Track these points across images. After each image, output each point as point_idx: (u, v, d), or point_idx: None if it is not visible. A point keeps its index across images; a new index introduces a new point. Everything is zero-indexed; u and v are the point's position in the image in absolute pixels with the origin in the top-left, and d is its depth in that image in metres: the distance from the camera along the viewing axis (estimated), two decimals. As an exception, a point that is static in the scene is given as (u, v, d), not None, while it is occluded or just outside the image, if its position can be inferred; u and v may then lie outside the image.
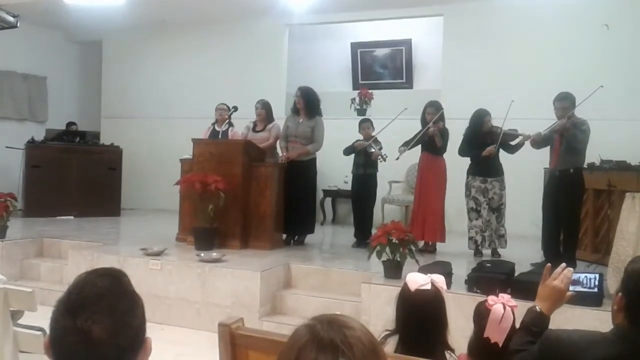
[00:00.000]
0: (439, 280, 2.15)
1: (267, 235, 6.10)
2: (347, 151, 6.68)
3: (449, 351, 2.12)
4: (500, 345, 2.07)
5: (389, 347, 2.09)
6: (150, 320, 1.26)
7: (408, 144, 6.20)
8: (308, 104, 6.51)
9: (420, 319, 2.07)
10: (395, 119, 6.55)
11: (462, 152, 6.06)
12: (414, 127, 6.37)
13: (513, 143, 5.94)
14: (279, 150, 6.77)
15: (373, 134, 6.62)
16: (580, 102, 5.35)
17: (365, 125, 6.69)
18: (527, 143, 5.75)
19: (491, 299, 2.16)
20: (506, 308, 2.11)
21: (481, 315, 2.17)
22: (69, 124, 9.65)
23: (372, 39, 9.78)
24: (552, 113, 5.49)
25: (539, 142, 5.61)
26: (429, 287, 2.11)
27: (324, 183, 8.61)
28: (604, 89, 5.42)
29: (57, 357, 1.15)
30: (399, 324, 2.14)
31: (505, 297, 2.18)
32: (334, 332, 0.98)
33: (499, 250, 5.97)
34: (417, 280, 2.13)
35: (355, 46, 9.90)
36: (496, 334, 2.07)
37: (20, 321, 3.02)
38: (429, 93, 7.61)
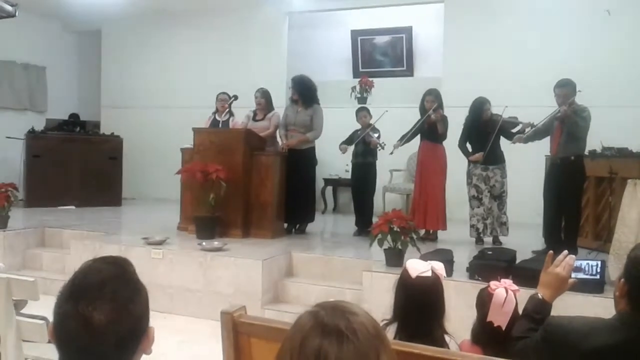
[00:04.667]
0: (439, 267, 2.17)
1: (268, 224, 6.10)
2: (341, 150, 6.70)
3: (447, 335, 2.14)
4: (504, 329, 2.08)
5: (388, 335, 2.10)
6: (152, 309, 1.26)
7: (403, 139, 6.21)
8: (302, 93, 6.50)
9: (420, 305, 2.08)
10: (381, 117, 6.52)
11: (462, 146, 6.07)
12: (414, 115, 6.36)
13: (514, 131, 5.92)
14: (279, 139, 6.76)
15: (371, 122, 6.61)
16: (556, 110, 5.31)
17: (362, 113, 6.67)
18: (526, 131, 5.75)
19: (493, 283, 2.18)
20: (508, 292, 2.12)
21: (484, 300, 2.18)
22: (72, 115, 9.60)
23: (373, 27, 9.72)
24: (552, 100, 5.46)
25: (531, 137, 5.60)
26: (429, 274, 2.12)
27: (325, 172, 8.61)
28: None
29: (58, 342, 1.16)
30: (398, 310, 2.15)
31: (507, 281, 2.19)
32: (338, 318, 0.98)
33: (501, 238, 5.97)
34: (417, 267, 2.14)
35: (355, 34, 9.85)
36: (499, 318, 2.08)
37: (23, 310, 3.03)
38: (430, 81, 7.59)
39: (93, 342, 1.12)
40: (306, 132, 6.46)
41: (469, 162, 6.05)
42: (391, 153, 6.22)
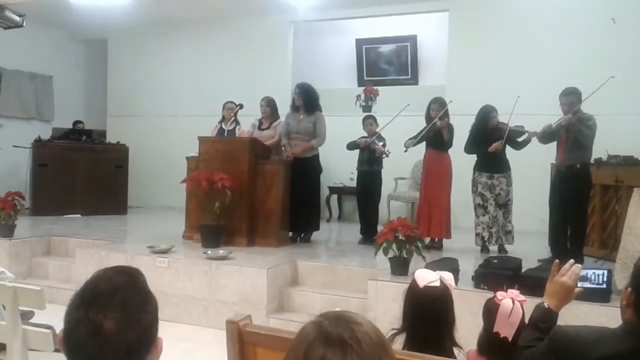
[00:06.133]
0: (448, 277, 2.15)
1: (273, 233, 6.11)
2: (350, 146, 6.68)
3: (456, 347, 2.12)
4: (510, 340, 2.06)
5: (397, 345, 2.09)
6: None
7: (416, 138, 6.20)
8: (307, 100, 6.51)
9: (429, 316, 2.06)
10: (398, 115, 6.53)
11: (469, 149, 6.05)
12: (419, 123, 6.37)
13: (519, 140, 5.92)
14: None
15: (377, 130, 6.62)
16: (592, 92, 5.30)
17: (369, 121, 6.68)
18: (534, 139, 5.75)
19: (500, 294, 2.16)
20: (515, 302, 2.10)
21: (490, 310, 2.16)
22: (76, 122, 9.69)
23: (377, 35, 9.75)
24: (558, 108, 5.46)
25: (546, 136, 5.60)
26: (437, 284, 2.10)
27: (329, 180, 8.61)
28: (612, 81, 5.38)
29: (68, 349, 1.16)
30: (407, 321, 2.13)
31: (513, 292, 2.17)
32: (342, 328, 0.98)
33: (506, 246, 5.95)
34: (426, 277, 2.12)
35: (360, 42, 9.88)
36: (505, 329, 2.06)
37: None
38: (434, 89, 7.60)
39: (103, 350, 1.13)
40: (309, 140, 6.46)
41: (474, 170, 6.04)
42: (405, 151, 6.20)
